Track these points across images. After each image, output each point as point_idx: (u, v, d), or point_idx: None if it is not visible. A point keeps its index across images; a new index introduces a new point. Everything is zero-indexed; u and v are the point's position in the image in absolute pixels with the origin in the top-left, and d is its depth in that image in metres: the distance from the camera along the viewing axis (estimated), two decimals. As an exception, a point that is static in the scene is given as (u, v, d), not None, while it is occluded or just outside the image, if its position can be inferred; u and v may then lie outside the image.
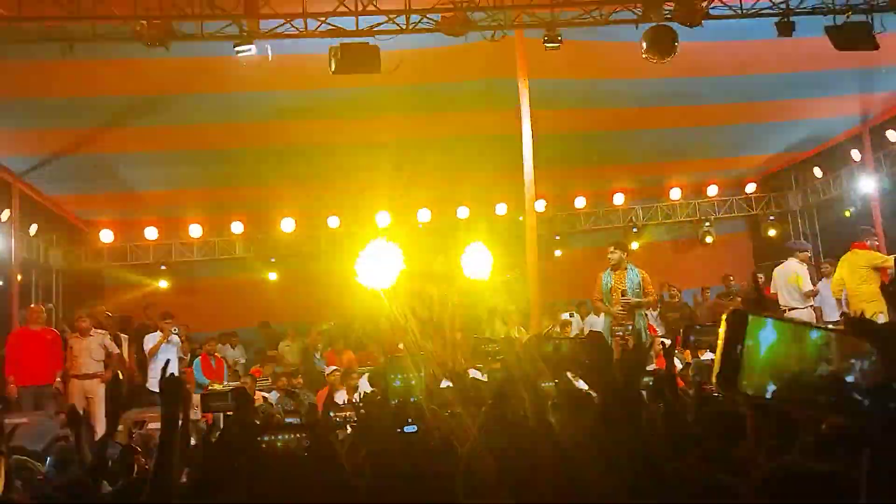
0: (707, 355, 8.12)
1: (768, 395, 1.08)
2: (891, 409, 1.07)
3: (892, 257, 9.28)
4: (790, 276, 10.24)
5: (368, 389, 10.01)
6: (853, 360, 1.07)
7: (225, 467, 2.42)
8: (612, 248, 9.45)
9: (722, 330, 1.09)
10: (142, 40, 7.67)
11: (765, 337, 1.07)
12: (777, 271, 10.52)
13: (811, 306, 10.20)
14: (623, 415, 1.99)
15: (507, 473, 2.13)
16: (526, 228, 9.47)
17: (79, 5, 7.27)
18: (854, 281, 9.22)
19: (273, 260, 14.75)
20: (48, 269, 14.02)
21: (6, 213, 12.27)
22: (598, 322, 13.17)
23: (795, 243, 10.71)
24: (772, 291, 10.48)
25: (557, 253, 15.05)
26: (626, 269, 9.23)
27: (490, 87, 10.23)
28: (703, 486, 2.05)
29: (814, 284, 10.35)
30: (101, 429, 8.66)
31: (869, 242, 9.72)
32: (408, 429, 2.40)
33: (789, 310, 10.00)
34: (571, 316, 12.62)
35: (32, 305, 10.72)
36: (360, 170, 12.91)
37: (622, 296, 8.98)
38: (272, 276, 14.85)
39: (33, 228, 13.30)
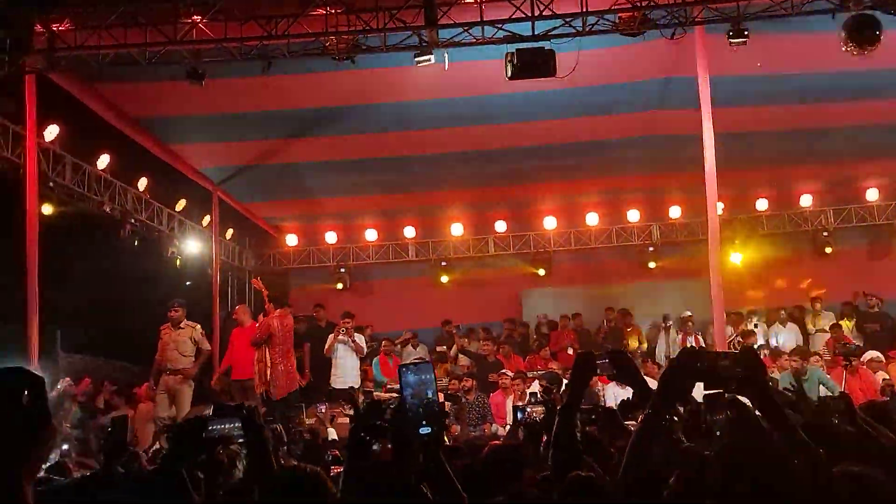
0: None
1: None
2: None
3: None
4: None
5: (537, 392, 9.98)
6: None
7: None
8: None
9: None
10: (330, 55, 8.16)
11: None
12: None
13: None
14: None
15: None
16: (708, 232, 9.05)
17: (276, 25, 7.85)
18: None
19: (444, 264, 15.12)
20: (242, 270, 15.26)
21: (207, 219, 13.50)
22: (785, 333, 12.39)
23: None
24: None
25: (739, 258, 14.29)
26: None
27: (668, 86, 9.92)
28: None
29: None
30: None
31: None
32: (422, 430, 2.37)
33: None
34: (756, 326, 11.91)
35: (238, 306, 11.61)
36: (528, 174, 12.97)
37: None
38: (444, 279, 15.23)
39: (229, 233, 14.54)
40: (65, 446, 6.93)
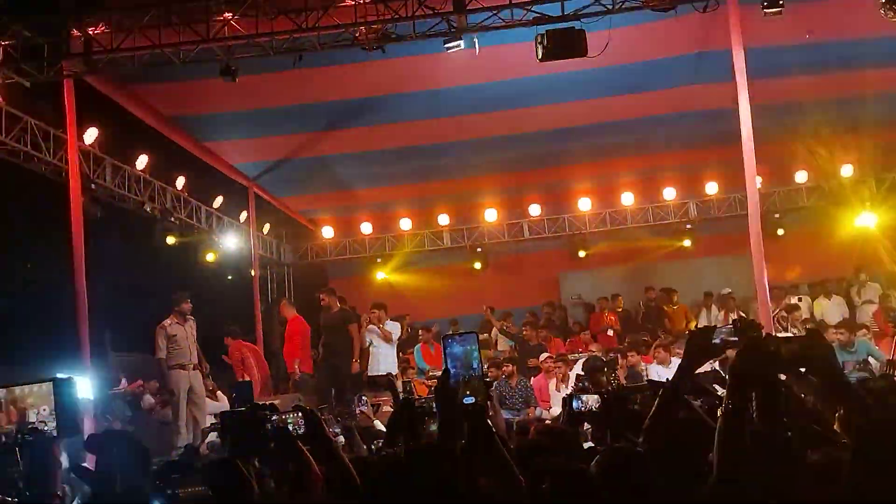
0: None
1: None
2: None
3: None
4: None
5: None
6: None
7: None
8: None
9: None
10: (361, 45, 8.18)
11: None
12: None
13: None
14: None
15: None
16: (748, 207, 8.91)
17: (306, 18, 7.89)
18: None
19: (479, 249, 15.12)
20: (280, 264, 15.45)
21: (244, 215, 13.67)
22: (830, 307, 12.18)
23: None
24: None
25: (780, 232, 14.06)
26: None
27: (701, 60, 9.77)
28: None
29: None
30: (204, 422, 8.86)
31: None
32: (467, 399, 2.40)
33: None
34: (800, 300, 11.72)
35: (282, 302, 11.84)
36: (561, 156, 12.88)
37: None
38: (477, 265, 15.25)
39: (266, 227, 14.71)
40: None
